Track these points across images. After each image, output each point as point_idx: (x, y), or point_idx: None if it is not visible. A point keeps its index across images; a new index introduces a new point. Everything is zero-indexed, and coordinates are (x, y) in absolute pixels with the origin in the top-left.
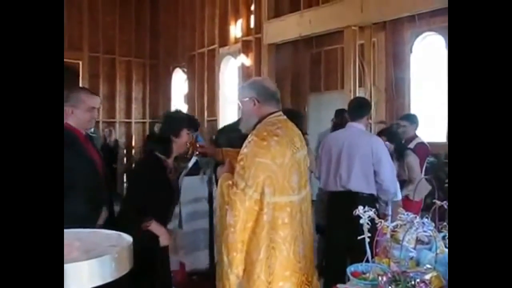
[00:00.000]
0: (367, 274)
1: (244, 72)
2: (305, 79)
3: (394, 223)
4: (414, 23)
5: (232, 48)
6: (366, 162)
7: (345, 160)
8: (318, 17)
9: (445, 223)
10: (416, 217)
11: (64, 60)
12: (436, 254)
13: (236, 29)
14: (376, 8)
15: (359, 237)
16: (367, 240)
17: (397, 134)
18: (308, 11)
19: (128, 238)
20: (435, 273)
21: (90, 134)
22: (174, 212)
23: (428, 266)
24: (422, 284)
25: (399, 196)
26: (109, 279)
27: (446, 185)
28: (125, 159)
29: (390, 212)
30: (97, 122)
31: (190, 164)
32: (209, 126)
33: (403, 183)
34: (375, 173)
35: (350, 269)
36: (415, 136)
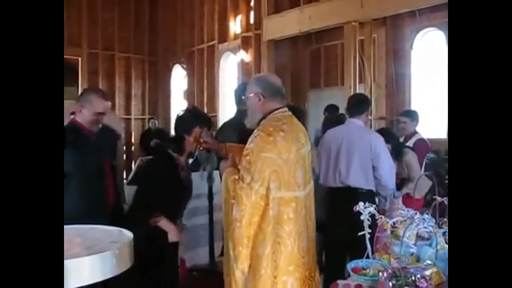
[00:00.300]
0: (367, 270)
1: (244, 68)
2: (304, 75)
3: (395, 219)
4: (414, 19)
5: (231, 44)
6: (365, 158)
7: (344, 156)
8: (318, 13)
9: (445, 219)
10: (416, 213)
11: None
12: (437, 250)
13: (235, 25)
14: (376, 3)
15: (359, 233)
16: (367, 236)
17: (393, 134)
18: (308, 6)
19: (128, 234)
20: (435, 269)
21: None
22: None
23: (429, 262)
24: (422, 280)
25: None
26: (110, 275)
27: (446, 181)
28: (124, 155)
29: (388, 207)
30: None
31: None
32: None
33: (403, 182)
34: (373, 168)
35: (351, 265)
36: (415, 132)
